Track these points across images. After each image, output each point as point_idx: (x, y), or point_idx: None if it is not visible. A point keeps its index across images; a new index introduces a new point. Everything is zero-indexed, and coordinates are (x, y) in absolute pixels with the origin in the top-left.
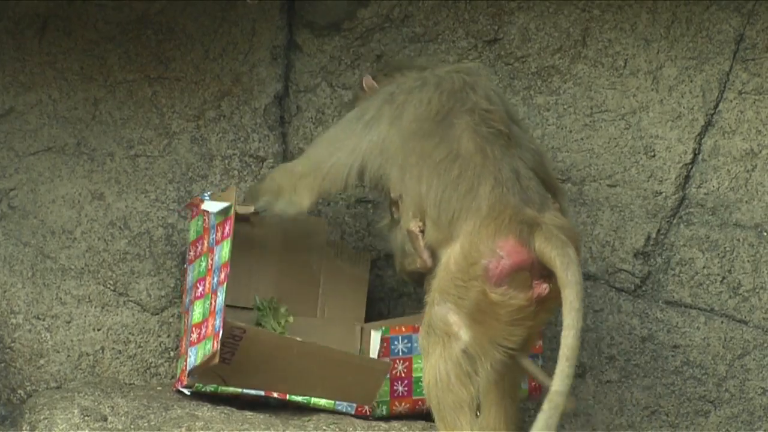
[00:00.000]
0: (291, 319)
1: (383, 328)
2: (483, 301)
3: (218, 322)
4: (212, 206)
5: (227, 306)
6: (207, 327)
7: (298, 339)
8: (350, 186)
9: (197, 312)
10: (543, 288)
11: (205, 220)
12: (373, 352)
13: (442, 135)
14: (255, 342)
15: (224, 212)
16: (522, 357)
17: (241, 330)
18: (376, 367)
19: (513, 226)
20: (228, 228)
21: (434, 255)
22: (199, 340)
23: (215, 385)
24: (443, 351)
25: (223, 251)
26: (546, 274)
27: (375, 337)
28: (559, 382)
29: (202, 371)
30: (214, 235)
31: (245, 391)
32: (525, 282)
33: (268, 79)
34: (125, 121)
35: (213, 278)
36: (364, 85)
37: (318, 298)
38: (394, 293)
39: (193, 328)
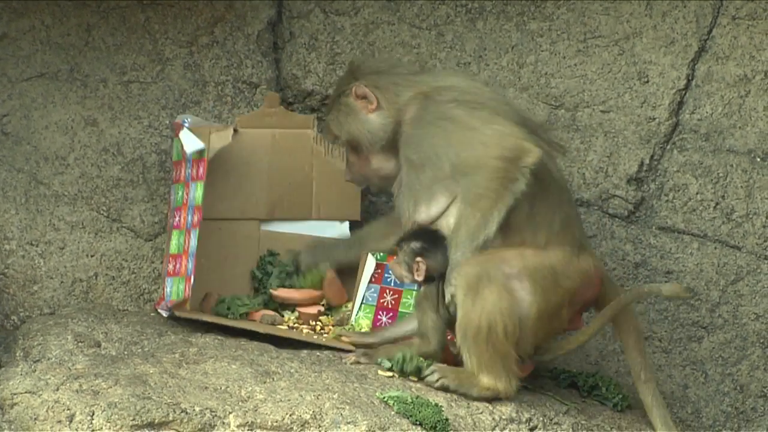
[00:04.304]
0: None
1: (379, 255)
2: None
3: (191, 265)
4: (188, 141)
5: (225, 219)
6: (181, 264)
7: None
8: None
9: (174, 243)
10: None
11: (182, 147)
12: (366, 276)
13: None
14: None
15: (199, 153)
16: None
17: None
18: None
19: None
20: (202, 170)
21: None
22: (174, 273)
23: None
24: None
25: (197, 192)
26: None
27: (370, 262)
28: None
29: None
30: (190, 170)
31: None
32: None
33: (261, 5)
34: (118, 47)
35: (188, 215)
36: (354, 93)
37: (312, 199)
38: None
39: (170, 258)
